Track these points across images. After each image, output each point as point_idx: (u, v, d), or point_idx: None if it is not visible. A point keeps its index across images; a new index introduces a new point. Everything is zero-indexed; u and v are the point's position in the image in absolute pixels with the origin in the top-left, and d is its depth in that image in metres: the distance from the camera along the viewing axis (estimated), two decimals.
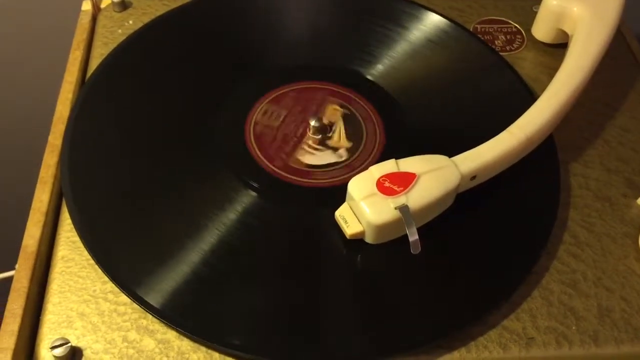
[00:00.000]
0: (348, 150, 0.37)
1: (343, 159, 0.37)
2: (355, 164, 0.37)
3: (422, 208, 0.32)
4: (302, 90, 0.40)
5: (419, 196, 0.32)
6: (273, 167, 0.36)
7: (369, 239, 0.33)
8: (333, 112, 0.38)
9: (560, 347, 0.31)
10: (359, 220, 0.32)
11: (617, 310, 0.33)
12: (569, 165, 0.38)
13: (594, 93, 0.42)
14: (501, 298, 0.32)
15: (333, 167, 0.36)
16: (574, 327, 0.32)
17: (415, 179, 0.32)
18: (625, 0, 0.41)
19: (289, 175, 0.36)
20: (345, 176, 0.36)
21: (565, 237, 0.35)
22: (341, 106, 0.39)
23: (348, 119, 0.38)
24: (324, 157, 0.37)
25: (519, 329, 0.32)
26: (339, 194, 0.33)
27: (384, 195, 0.31)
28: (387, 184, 0.32)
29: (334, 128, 0.38)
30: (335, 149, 0.37)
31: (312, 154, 0.37)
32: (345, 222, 0.33)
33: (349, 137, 0.38)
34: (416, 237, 0.31)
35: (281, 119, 0.39)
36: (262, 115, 0.39)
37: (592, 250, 0.35)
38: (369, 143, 0.38)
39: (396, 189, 0.32)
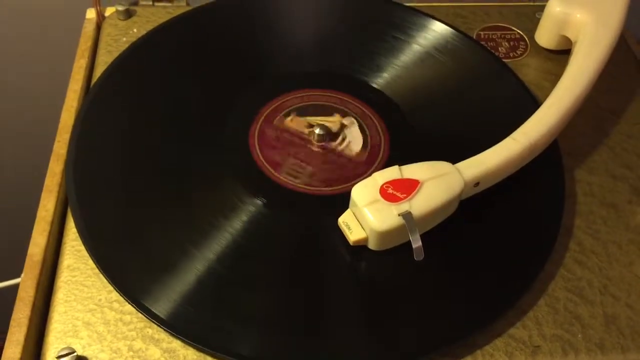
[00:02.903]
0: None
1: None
2: (359, 172, 0.37)
3: (426, 215, 0.32)
4: (307, 98, 0.40)
5: (422, 203, 0.32)
6: (277, 175, 0.36)
7: (372, 245, 0.33)
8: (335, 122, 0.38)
9: (566, 355, 0.31)
10: (362, 227, 0.32)
11: (623, 317, 0.33)
12: (573, 172, 0.38)
13: (598, 99, 0.42)
14: (507, 306, 0.32)
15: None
16: (579, 335, 0.32)
17: (419, 186, 0.32)
18: (628, 7, 0.41)
19: (292, 183, 0.36)
20: (350, 183, 0.36)
21: (570, 244, 0.35)
22: (344, 115, 0.39)
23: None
24: (354, 136, 0.37)
25: (525, 337, 0.32)
26: (342, 201, 0.33)
27: (387, 202, 0.32)
28: (390, 191, 0.32)
29: (341, 138, 0.38)
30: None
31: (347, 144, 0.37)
32: (349, 228, 0.33)
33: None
34: (419, 243, 0.31)
35: (288, 126, 0.39)
36: (268, 123, 0.39)
37: (598, 258, 0.35)
38: (372, 155, 0.38)
39: (399, 195, 0.32)
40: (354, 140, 0.38)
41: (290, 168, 0.36)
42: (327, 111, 0.40)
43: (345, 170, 0.37)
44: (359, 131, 0.38)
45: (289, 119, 0.38)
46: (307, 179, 0.36)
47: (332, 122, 0.38)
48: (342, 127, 0.38)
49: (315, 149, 0.38)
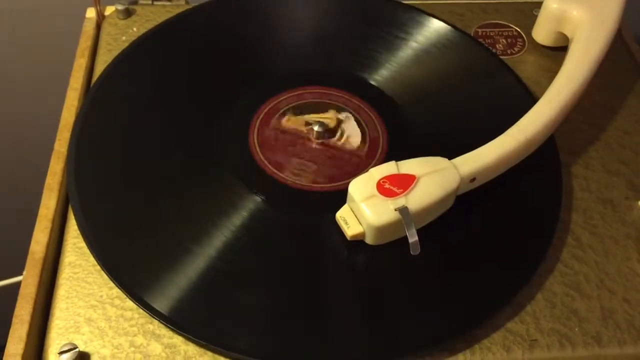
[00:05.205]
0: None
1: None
2: (358, 168, 0.37)
3: (422, 210, 0.32)
4: (305, 95, 0.41)
5: (418, 198, 0.32)
6: (276, 171, 0.37)
7: (369, 240, 0.33)
8: (295, 123, 0.38)
9: (563, 349, 0.32)
10: (359, 222, 0.33)
11: (620, 311, 0.33)
12: (570, 168, 0.39)
13: (595, 96, 0.42)
14: (505, 300, 0.32)
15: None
16: (576, 329, 0.32)
17: (415, 181, 0.32)
18: (625, 3, 0.41)
19: (291, 180, 0.36)
20: (348, 180, 0.36)
21: (567, 239, 0.35)
22: (339, 110, 0.39)
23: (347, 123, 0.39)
24: (351, 129, 0.38)
25: (523, 331, 0.32)
26: (340, 197, 0.34)
27: (384, 197, 0.32)
28: (387, 186, 0.32)
29: (340, 133, 0.38)
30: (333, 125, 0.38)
31: (343, 137, 0.38)
32: (346, 223, 0.33)
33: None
34: (415, 238, 0.31)
35: (285, 126, 0.39)
36: (266, 122, 0.39)
37: (595, 252, 0.35)
38: (372, 147, 0.38)
39: (396, 190, 0.32)
40: (352, 134, 0.38)
41: (295, 168, 0.37)
42: (322, 108, 0.40)
43: (348, 164, 0.37)
44: (356, 125, 0.39)
45: (285, 119, 0.38)
46: (312, 176, 0.37)
47: (328, 118, 0.38)
48: (339, 122, 0.38)
49: (315, 146, 0.38)
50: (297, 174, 0.36)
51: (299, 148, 0.38)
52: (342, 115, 0.39)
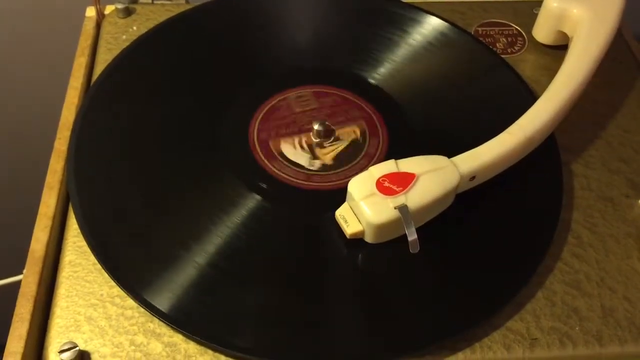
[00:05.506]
0: (324, 165, 0.37)
1: (313, 168, 0.37)
2: (358, 167, 0.37)
3: (421, 208, 0.32)
4: (307, 94, 0.41)
5: (418, 196, 0.32)
6: (276, 170, 0.37)
7: (368, 238, 0.33)
8: (349, 132, 0.38)
9: (564, 348, 0.31)
10: (358, 220, 0.33)
11: (621, 310, 0.33)
12: (570, 166, 0.39)
13: (595, 94, 0.42)
14: (505, 299, 0.32)
15: (297, 169, 0.37)
16: (577, 328, 0.32)
17: (415, 179, 0.32)
18: (625, 2, 0.41)
19: (291, 178, 0.36)
20: (346, 179, 0.36)
21: (568, 237, 0.35)
22: (360, 128, 0.39)
23: (354, 145, 0.38)
24: (297, 157, 0.37)
25: (523, 329, 0.32)
26: (340, 196, 0.34)
27: (384, 195, 0.32)
28: (386, 184, 0.32)
29: (335, 144, 0.38)
30: (314, 157, 0.37)
31: (293, 148, 0.37)
32: (346, 221, 0.33)
33: (337, 158, 0.37)
34: (415, 236, 0.31)
35: (285, 117, 0.39)
36: (266, 116, 0.39)
37: (595, 251, 0.35)
38: (371, 146, 0.38)
39: (395, 189, 0.32)
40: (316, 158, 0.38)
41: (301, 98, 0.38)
42: (365, 161, 0.38)
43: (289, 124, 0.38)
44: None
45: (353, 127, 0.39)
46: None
47: (344, 141, 0.38)
48: (339, 157, 0.38)
49: (307, 122, 0.39)
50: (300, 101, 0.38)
51: (305, 107, 0.39)
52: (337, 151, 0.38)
